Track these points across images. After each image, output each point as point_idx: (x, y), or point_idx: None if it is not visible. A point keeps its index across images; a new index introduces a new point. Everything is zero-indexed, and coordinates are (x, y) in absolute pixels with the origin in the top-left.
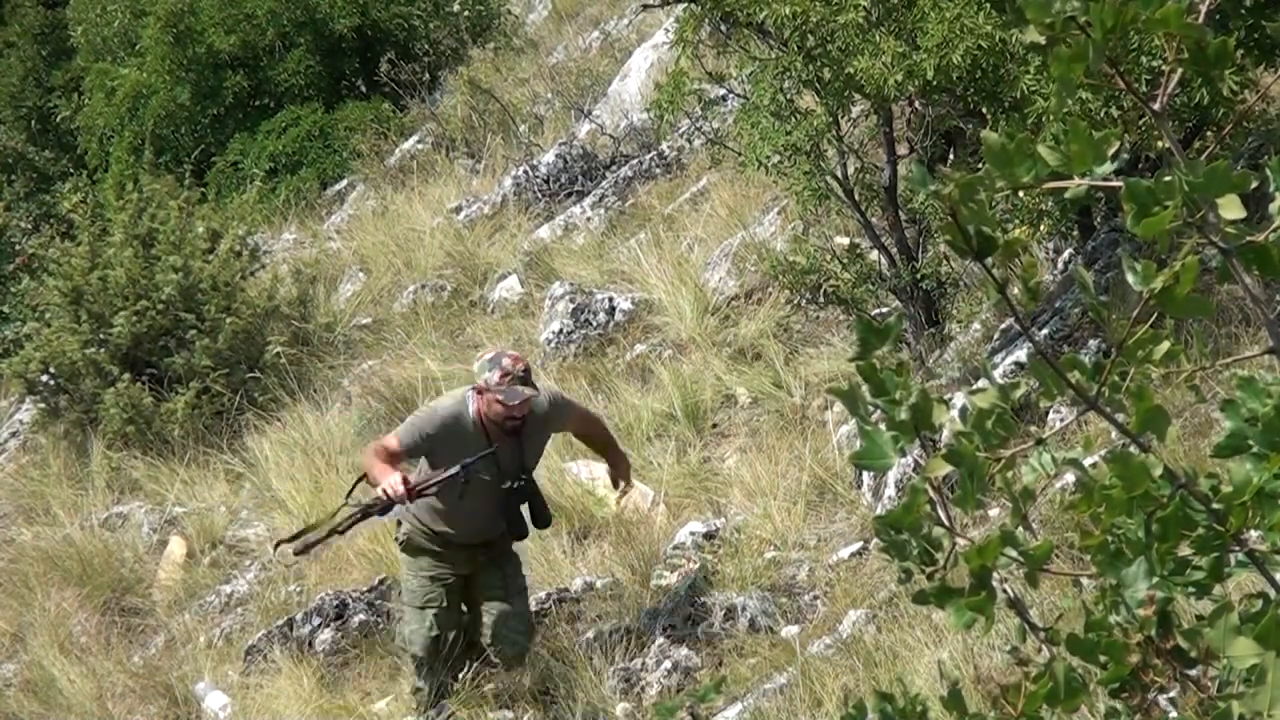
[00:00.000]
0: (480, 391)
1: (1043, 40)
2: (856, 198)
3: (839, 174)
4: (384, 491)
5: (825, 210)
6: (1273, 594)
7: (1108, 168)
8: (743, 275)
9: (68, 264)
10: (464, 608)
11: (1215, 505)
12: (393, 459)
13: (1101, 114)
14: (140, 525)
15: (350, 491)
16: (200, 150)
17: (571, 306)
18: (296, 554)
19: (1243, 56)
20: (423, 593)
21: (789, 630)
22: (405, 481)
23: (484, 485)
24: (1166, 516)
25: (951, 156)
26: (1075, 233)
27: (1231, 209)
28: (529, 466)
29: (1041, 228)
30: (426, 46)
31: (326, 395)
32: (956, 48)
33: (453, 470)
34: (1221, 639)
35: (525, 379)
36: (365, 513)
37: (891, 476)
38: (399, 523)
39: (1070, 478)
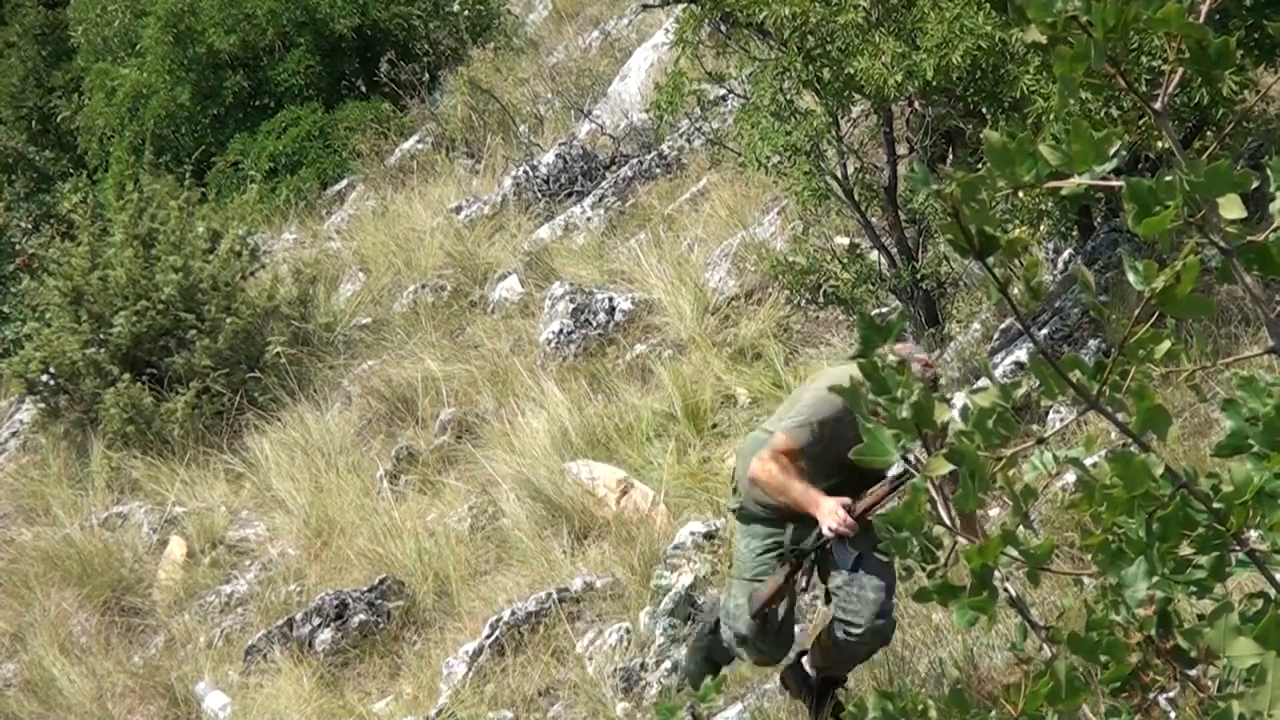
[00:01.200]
0: None
1: (1044, 39)
2: (856, 198)
3: (839, 174)
4: (830, 529)
5: (825, 210)
6: (1273, 594)
7: (1109, 167)
8: (743, 275)
9: (68, 264)
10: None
11: (1216, 505)
12: (794, 461)
13: (1101, 114)
14: (140, 525)
15: (793, 568)
16: (200, 150)
17: (571, 306)
18: (754, 616)
19: (1243, 56)
20: (753, 564)
21: None
22: (848, 509)
23: (840, 465)
24: (1167, 516)
25: (951, 156)
26: (1075, 233)
27: (1232, 209)
28: None
29: (1041, 228)
30: (426, 46)
31: (326, 395)
32: (956, 48)
33: (898, 484)
34: (1221, 639)
35: (934, 388)
36: (816, 552)
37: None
38: (734, 489)
39: (1071, 477)
